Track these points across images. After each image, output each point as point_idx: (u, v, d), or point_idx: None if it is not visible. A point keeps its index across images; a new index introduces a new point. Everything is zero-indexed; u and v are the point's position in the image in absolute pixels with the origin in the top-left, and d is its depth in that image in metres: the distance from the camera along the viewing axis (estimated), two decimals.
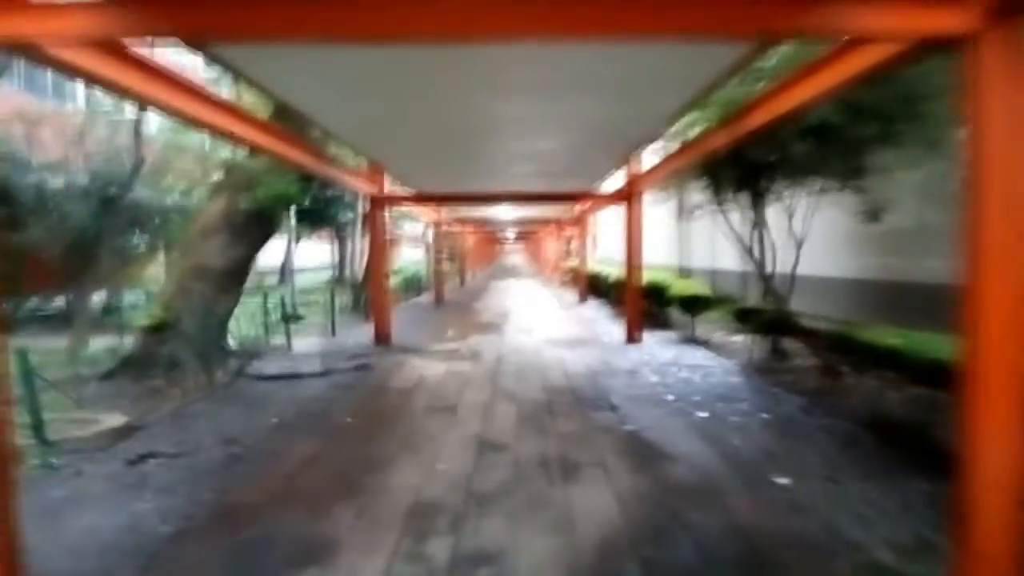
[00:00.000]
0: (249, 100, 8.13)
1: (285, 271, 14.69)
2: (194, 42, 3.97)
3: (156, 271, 11.95)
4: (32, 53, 2.91)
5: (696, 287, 10.60)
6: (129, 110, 10.58)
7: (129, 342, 7.68)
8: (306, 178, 8.13)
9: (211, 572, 3.04)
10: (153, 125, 13.99)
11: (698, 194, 10.42)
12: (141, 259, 11.92)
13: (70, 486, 4.17)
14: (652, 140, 7.27)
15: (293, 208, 14.27)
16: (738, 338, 10.08)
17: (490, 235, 39.51)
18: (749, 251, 7.80)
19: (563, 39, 3.68)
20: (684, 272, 16.34)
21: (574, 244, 22.91)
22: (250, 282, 19.51)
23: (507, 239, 48.24)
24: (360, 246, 16.53)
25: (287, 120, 6.93)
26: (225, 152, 8.83)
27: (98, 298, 11.83)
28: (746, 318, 8.66)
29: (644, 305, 10.77)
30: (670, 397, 6.33)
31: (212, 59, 4.45)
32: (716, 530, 3.36)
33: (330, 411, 5.93)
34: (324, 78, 4.96)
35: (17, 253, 9.69)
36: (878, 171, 6.68)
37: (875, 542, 3.21)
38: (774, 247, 7.75)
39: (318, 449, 4.82)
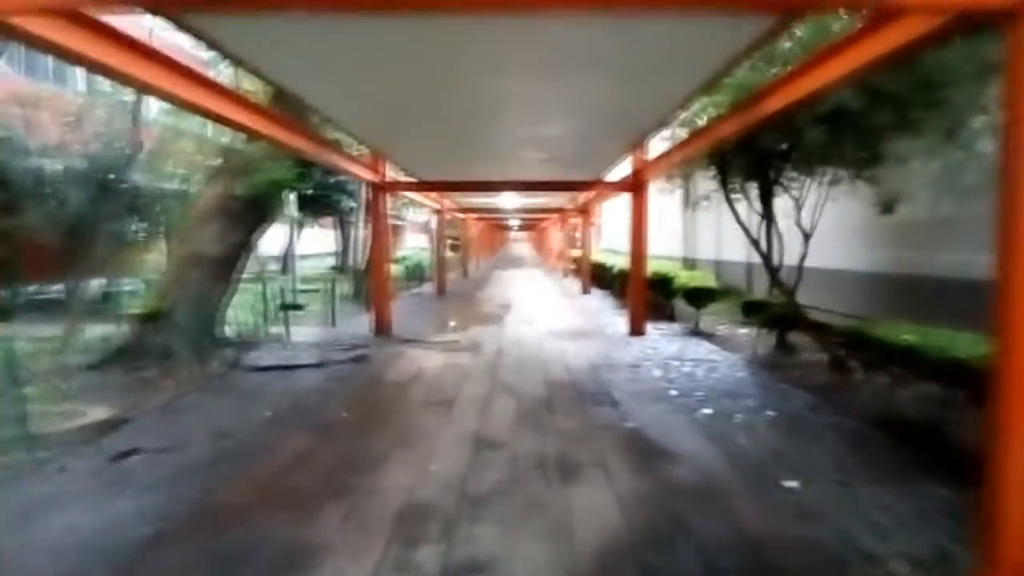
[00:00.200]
0: (248, 86, 7.94)
1: (287, 259, 14.48)
2: (168, 13, 3.82)
3: (155, 258, 11.76)
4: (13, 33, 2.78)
5: (702, 279, 10.41)
6: (129, 94, 10.43)
7: (125, 331, 7.53)
8: (304, 164, 7.95)
9: None
10: (154, 110, 13.83)
11: (705, 184, 10.24)
12: (140, 246, 11.73)
13: (51, 482, 4.02)
14: (661, 126, 7.04)
15: (295, 195, 14.12)
16: (743, 331, 9.90)
17: (494, 224, 39.31)
18: (756, 242, 7.60)
19: (569, 10, 3.50)
20: (689, 263, 16.17)
21: (578, 234, 22.69)
22: (251, 270, 19.37)
23: (512, 228, 48.04)
24: (362, 234, 16.35)
25: (286, 106, 6.76)
26: (226, 138, 8.65)
27: (97, 285, 11.71)
28: (753, 311, 8.48)
29: (648, 296, 10.58)
30: (673, 392, 6.16)
31: (203, 39, 4.28)
32: (721, 537, 3.19)
33: (325, 404, 5.78)
34: (321, 61, 4.80)
35: (14, 239, 9.55)
36: (893, 160, 6.46)
37: (890, 553, 3.04)
38: (781, 239, 7.54)
39: (310, 445, 4.66)
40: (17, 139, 10.27)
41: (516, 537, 3.21)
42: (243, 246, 7.85)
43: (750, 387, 6.36)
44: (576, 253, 22.27)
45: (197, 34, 4.17)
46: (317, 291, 13.63)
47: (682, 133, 7.80)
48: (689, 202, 15.62)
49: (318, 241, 30.36)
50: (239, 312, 9.45)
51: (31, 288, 11.55)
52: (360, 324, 10.83)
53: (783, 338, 8.17)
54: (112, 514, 3.55)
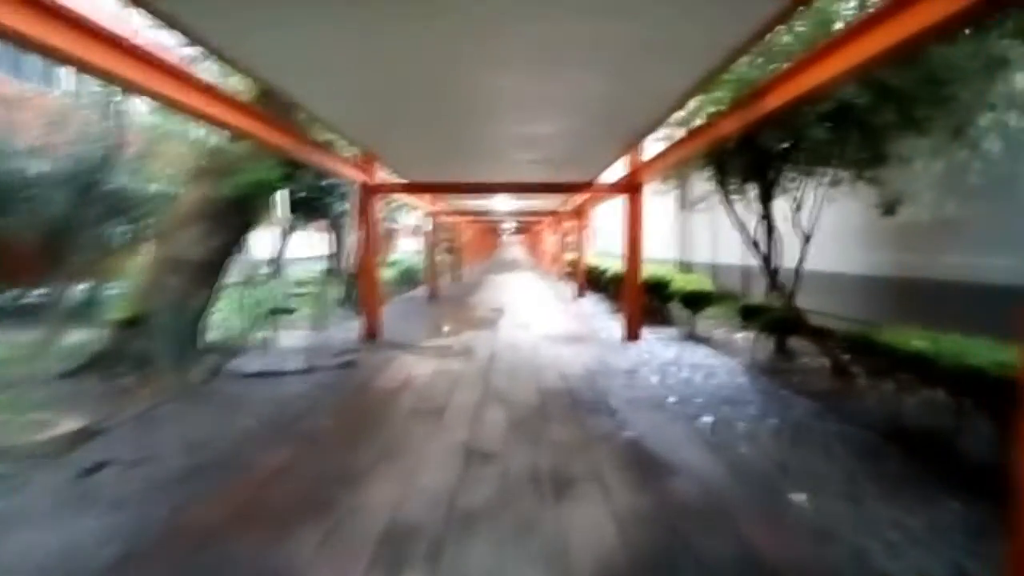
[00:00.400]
0: (233, 84, 7.71)
1: (278, 263, 14.26)
2: (149, 6, 3.64)
3: (141, 262, 11.52)
4: None
5: (698, 282, 10.20)
6: (116, 94, 10.19)
7: (103, 337, 7.27)
8: (291, 165, 7.70)
9: None
10: (143, 111, 13.57)
11: (701, 185, 10.06)
12: (124, 249, 11.46)
13: (12, 499, 3.78)
14: (658, 124, 6.80)
15: (285, 197, 13.88)
16: (741, 335, 9.70)
17: (488, 227, 39.09)
18: (755, 244, 7.40)
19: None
20: (684, 266, 15.97)
21: (572, 237, 22.48)
22: (242, 274, 19.12)
23: (506, 231, 47.85)
24: (354, 237, 16.10)
25: (273, 104, 6.54)
26: (215, 138, 8.40)
27: (81, 290, 11.45)
28: (752, 316, 8.27)
29: (644, 301, 10.37)
30: (672, 400, 5.94)
31: (185, 33, 4.13)
32: (728, 559, 2.98)
33: (309, 413, 5.53)
34: (308, 56, 4.61)
35: None
36: (896, 160, 6.29)
37: (908, 573, 2.84)
38: (780, 241, 7.34)
39: (290, 457, 4.42)
40: None
41: (507, 561, 2.98)
42: (227, 249, 7.59)
43: (750, 393, 6.15)
44: (570, 256, 22.06)
45: (179, 28, 4.01)
46: (308, 295, 13.37)
47: (679, 133, 7.61)
48: (684, 204, 15.48)
49: (311, 244, 30.11)
50: (227, 317, 9.21)
51: (12, 293, 11.28)
52: (350, 329, 10.58)
53: (782, 343, 7.97)
54: (75, 533, 3.31)
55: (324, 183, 17.56)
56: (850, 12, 5.65)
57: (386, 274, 18.07)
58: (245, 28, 4.07)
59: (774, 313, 7.55)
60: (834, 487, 3.84)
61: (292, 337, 9.63)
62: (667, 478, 4.00)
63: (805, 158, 6.60)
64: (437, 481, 3.97)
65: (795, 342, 8.05)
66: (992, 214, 6.43)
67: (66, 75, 15.44)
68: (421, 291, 18.72)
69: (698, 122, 6.98)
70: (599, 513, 3.49)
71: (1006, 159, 6.25)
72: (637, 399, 5.96)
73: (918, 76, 5.38)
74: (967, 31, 5.08)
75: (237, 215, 7.40)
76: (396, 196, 13.83)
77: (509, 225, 37.82)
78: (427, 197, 16.51)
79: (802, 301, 7.28)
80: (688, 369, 7.25)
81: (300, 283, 18.20)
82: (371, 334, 9.76)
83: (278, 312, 12.62)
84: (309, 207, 18.71)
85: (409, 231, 42.10)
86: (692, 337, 9.65)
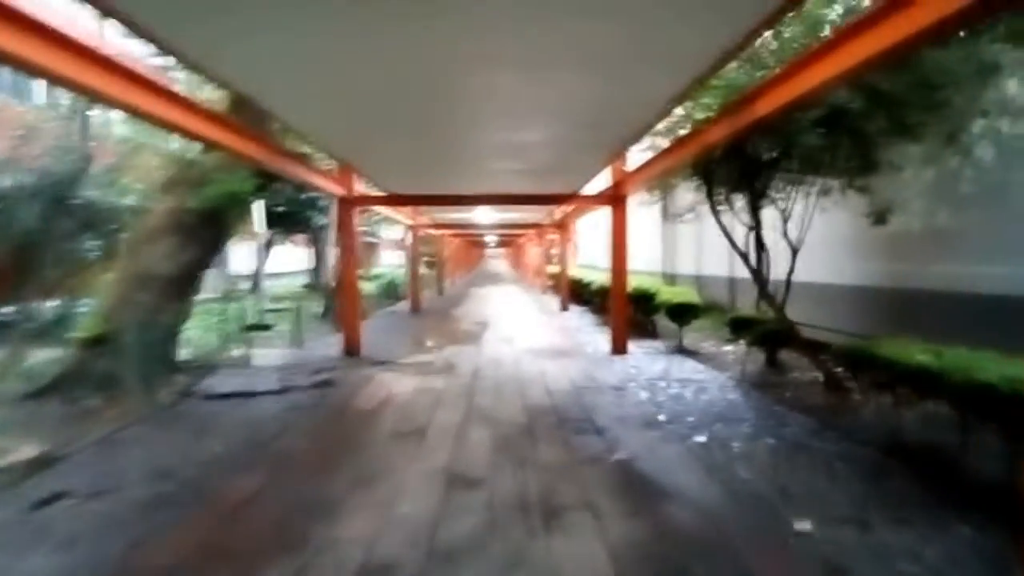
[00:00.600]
0: (206, 94, 7.44)
1: (256, 277, 13.93)
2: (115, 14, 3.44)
3: (110, 277, 11.14)
4: None
5: (685, 294, 10.01)
6: (92, 107, 9.89)
7: (68, 356, 6.92)
8: (265, 176, 7.42)
9: None
10: (118, 122, 13.22)
11: (687, 195, 9.89)
12: (96, 264, 11.08)
13: None
14: (645, 131, 6.57)
15: (261, 210, 13.56)
16: (729, 348, 9.53)
17: (471, 240, 38.80)
18: (744, 255, 7.21)
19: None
20: (668, 278, 15.82)
21: (556, 249, 22.30)
22: (219, 289, 18.72)
23: (489, 244, 47.60)
24: (334, 251, 15.81)
25: (245, 114, 6.30)
26: (192, 153, 8.08)
27: (51, 307, 11.06)
28: (742, 328, 8.09)
29: (630, 313, 10.17)
30: (662, 417, 5.71)
31: (155, 42, 3.91)
32: None
33: (282, 437, 5.23)
34: (280, 64, 4.38)
35: None
36: (888, 168, 6.13)
37: None
38: (768, 252, 7.16)
39: (260, 486, 4.13)
40: None
41: None
42: (199, 264, 7.30)
43: (743, 410, 5.93)
44: (554, 269, 21.87)
45: (148, 36, 3.79)
46: (287, 311, 13.02)
47: (664, 143, 7.43)
48: (668, 215, 15.33)
49: (291, 259, 29.75)
50: (203, 334, 8.88)
51: None
52: (329, 345, 10.28)
53: (773, 356, 7.79)
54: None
55: (304, 196, 17.26)
56: (836, 18, 5.52)
57: (368, 288, 17.76)
58: (217, 37, 3.87)
59: (765, 325, 7.37)
60: (839, 512, 3.61)
61: (269, 354, 9.31)
62: (662, 505, 3.75)
63: (795, 166, 6.43)
64: (417, 511, 3.71)
65: (786, 355, 7.88)
66: (985, 222, 6.30)
67: (37, 88, 15.09)
68: (403, 305, 18.40)
69: (684, 131, 6.82)
70: (592, 546, 3.23)
71: (999, 166, 6.12)
72: (626, 417, 5.73)
73: (910, 81, 5.24)
74: (961, 34, 4.95)
75: (209, 228, 7.11)
76: (376, 209, 13.52)
77: (492, 238, 37.58)
78: (408, 210, 16.25)
79: (791, 313, 7.10)
80: (677, 384, 7.04)
81: (278, 298, 17.88)
82: (351, 350, 9.46)
83: (255, 328, 12.30)
84: (288, 220, 18.39)
85: (392, 244, 41.83)
86: (680, 350, 9.44)
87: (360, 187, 10.71)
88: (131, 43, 5.08)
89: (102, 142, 11.38)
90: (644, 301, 10.66)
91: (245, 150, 5.93)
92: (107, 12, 3.52)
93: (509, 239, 37.77)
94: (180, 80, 7.68)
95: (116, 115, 10.02)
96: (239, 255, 23.86)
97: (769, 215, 7.12)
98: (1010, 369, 3.57)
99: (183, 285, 7.12)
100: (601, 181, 10.39)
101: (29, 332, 8.83)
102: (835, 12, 5.60)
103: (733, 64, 5.57)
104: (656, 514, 3.63)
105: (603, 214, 13.45)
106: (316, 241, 20.61)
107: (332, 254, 15.09)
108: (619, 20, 3.61)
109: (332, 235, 14.95)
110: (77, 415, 5.86)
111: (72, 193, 9.11)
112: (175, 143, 8.25)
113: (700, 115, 6.25)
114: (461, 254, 40.98)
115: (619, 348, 9.37)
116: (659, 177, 8.28)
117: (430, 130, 6.39)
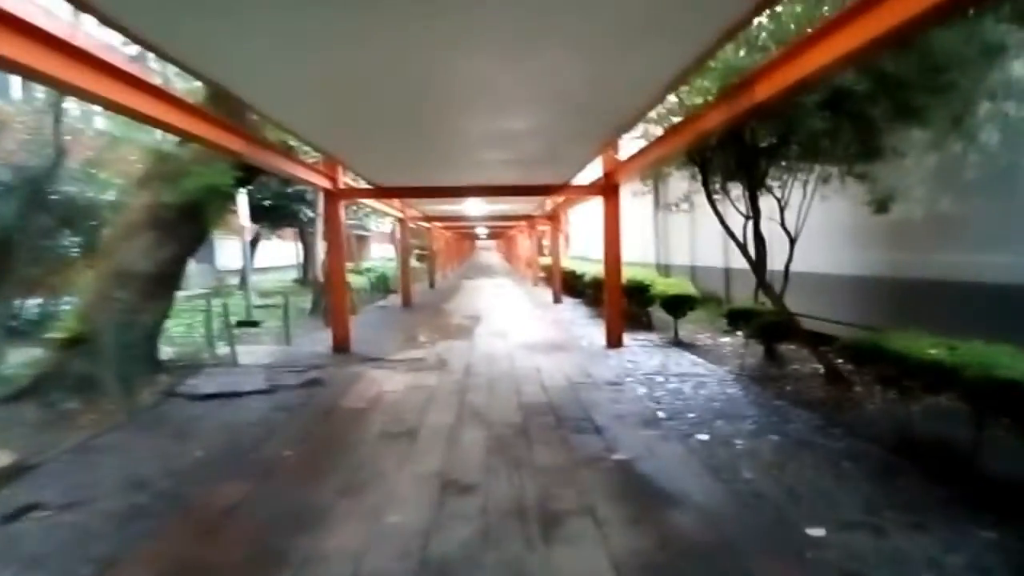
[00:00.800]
0: (181, 85, 7.17)
1: (243, 272, 13.69)
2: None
3: (88, 275, 10.88)
4: None
5: (681, 286, 9.84)
6: (70, 102, 9.60)
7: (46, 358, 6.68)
8: (245, 168, 7.16)
9: None
10: (98, 116, 12.92)
11: (679, 185, 9.70)
12: (77, 262, 10.79)
13: None
14: (639, 118, 6.31)
15: (244, 203, 13.31)
16: (726, 340, 9.37)
17: (461, 233, 38.57)
18: (742, 245, 7.02)
19: None
20: (662, 269, 15.65)
21: (547, 241, 22.09)
22: (206, 285, 18.47)
23: (480, 237, 47.39)
24: (322, 245, 15.56)
25: (223, 106, 6.06)
26: (177, 147, 7.82)
27: (31, 306, 10.79)
28: (740, 320, 7.91)
29: (624, 305, 9.98)
30: (662, 414, 5.54)
31: (126, 33, 3.70)
32: None
33: (267, 441, 5.01)
34: (256, 55, 4.18)
35: None
36: (890, 154, 5.94)
37: None
38: (765, 242, 6.97)
39: (242, 495, 3.92)
40: None
41: None
42: (179, 260, 7.05)
43: (744, 405, 5.76)
44: (546, 261, 21.67)
45: (123, 29, 3.60)
46: (276, 306, 12.80)
47: (657, 131, 7.23)
48: (661, 205, 15.13)
49: (281, 253, 29.48)
50: (187, 331, 8.64)
51: None
52: (318, 341, 10.05)
53: (771, 348, 7.62)
54: None
55: (291, 190, 17.02)
56: None
57: (358, 282, 17.53)
58: (193, 30, 3.69)
59: (765, 317, 7.19)
60: (850, 515, 3.43)
61: (256, 352, 9.08)
62: (667, 510, 3.56)
63: (795, 153, 6.24)
64: (408, 520, 3.50)
65: (784, 347, 7.71)
66: (990, 209, 6.13)
67: (11, 83, 14.73)
68: (394, 299, 18.17)
69: (677, 119, 6.62)
70: (595, 557, 3.04)
71: (1005, 151, 5.94)
72: (625, 414, 5.54)
73: (914, 63, 5.04)
74: (969, 13, 4.77)
75: (187, 223, 6.85)
76: (365, 202, 13.27)
77: (483, 230, 37.37)
78: (397, 203, 16.01)
79: (789, 304, 6.92)
80: (676, 379, 6.86)
81: (267, 293, 17.63)
82: (340, 346, 9.25)
83: (243, 325, 12.08)
84: (276, 214, 18.16)
85: (383, 237, 41.54)
86: (676, 343, 9.28)
87: (347, 179, 10.47)
88: (103, 33, 4.83)
89: (80, 136, 11.11)
90: (639, 293, 10.49)
91: (224, 142, 5.70)
92: (81, 5, 3.38)
93: (500, 231, 37.57)
94: (155, 71, 7.40)
95: (96, 108, 9.74)
96: (227, 250, 23.60)
97: (766, 204, 6.93)
98: None
99: (163, 282, 6.87)
100: (593, 171, 10.19)
101: (6, 332, 8.58)
102: None
103: (730, 46, 5.38)
104: (660, 520, 3.44)
105: (595, 205, 13.25)
106: (304, 235, 20.38)
107: (321, 248, 14.86)
108: None
109: (321, 229, 14.71)
110: (54, 420, 5.63)
111: (49, 188, 8.86)
112: (154, 136, 8.01)
113: (696, 100, 6.03)
114: (452, 247, 40.74)
115: (614, 341, 9.20)
116: (653, 166, 8.08)
117: (414, 120, 6.14)
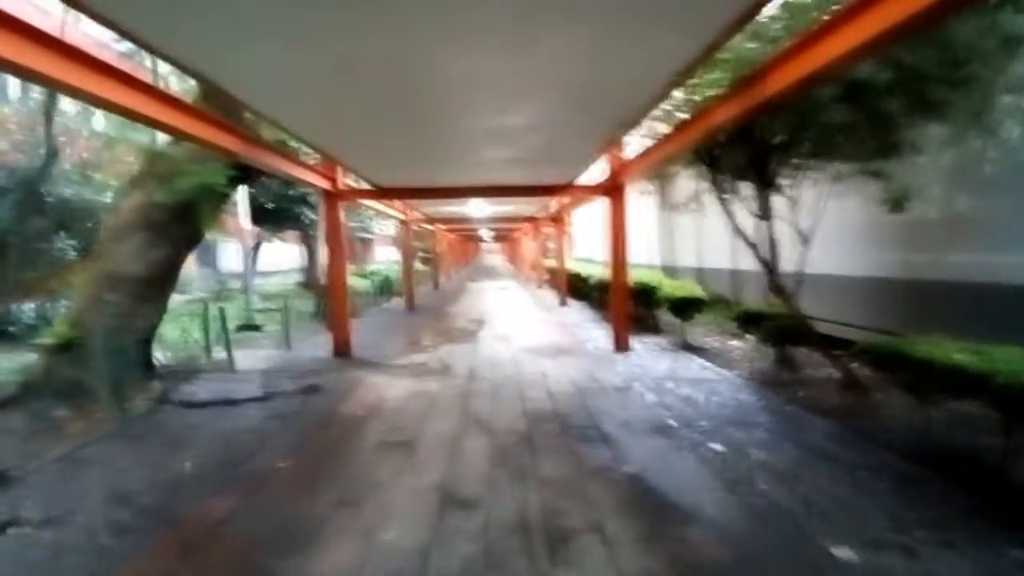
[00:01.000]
0: (176, 83, 7.01)
1: (244, 275, 13.51)
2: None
3: (80, 278, 10.72)
4: None
5: (689, 288, 9.61)
6: (69, 104, 9.47)
7: (37, 363, 6.49)
8: (241, 167, 6.97)
9: None
10: (98, 117, 12.79)
11: (686, 184, 9.50)
12: (72, 265, 10.64)
13: None
14: (645, 113, 6.00)
15: (245, 204, 13.13)
16: (735, 343, 9.14)
17: (466, 235, 38.37)
18: (753, 247, 6.80)
19: None
20: (668, 271, 15.41)
21: (552, 243, 21.87)
22: (208, 288, 18.30)
23: (484, 239, 47.17)
24: (325, 248, 15.36)
25: (217, 103, 5.89)
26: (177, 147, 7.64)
27: (27, 309, 10.64)
28: (751, 323, 7.68)
29: (630, 308, 9.75)
30: (672, 422, 5.31)
31: (116, 29, 3.55)
32: None
33: (260, 451, 4.81)
34: (253, 54, 4.04)
35: None
36: (908, 150, 5.71)
37: None
38: (775, 243, 6.75)
39: (231, 510, 3.72)
40: None
41: None
42: (171, 262, 6.84)
43: (758, 412, 5.54)
44: (551, 263, 21.46)
45: (109, 23, 3.44)
46: (278, 310, 12.62)
47: (663, 129, 7.02)
48: (666, 206, 14.90)
49: (285, 256, 29.32)
50: (183, 336, 8.45)
51: None
52: (319, 345, 9.85)
53: (783, 352, 7.38)
54: None
55: (293, 192, 16.83)
56: None
57: (361, 285, 17.34)
58: (190, 29, 3.59)
59: (778, 321, 6.95)
60: (877, 533, 3.21)
61: (255, 357, 8.89)
62: (680, 527, 3.34)
63: (807, 149, 6.02)
64: (405, 537, 3.30)
65: (796, 351, 7.47)
66: (1011, 207, 5.90)
67: (8, 82, 14.63)
68: (398, 302, 17.96)
69: (683, 116, 6.40)
70: None
71: None
72: (633, 422, 5.32)
73: (932, 56, 4.83)
74: (988, 2, 4.56)
75: (181, 224, 6.65)
76: (366, 203, 13.08)
77: (487, 232, 37.16)
78: (400, 204, 15.82)
79: (801, 306, 6.69)
80: (686, 384, 6.64)
81: (270, 297, 17.47)
82: (341, 351, 9.06)
83: (243, 329, 11.90)
84: (278, 217, 17.96)
85: (387, 240, 41.40)
86: (684, 346, 9.04)
87: (349, 181, 10.29)
88: (95, 30, 4.69)
89: (77, 137, 10.97)
90: (646, 295, 10.27)
91: (218, 141, 5.52)
92: (73, 2, 3.25)
93: (504, 233, 37.36)
94: (147, 67, 7.23)
95: (94, 110, 9.59)
96: (230, 254, 23.45)
97: (776, 204, 6.71)
98: None
99: (155, 285, 6.66)
100: (597, 172, 9.98)
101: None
102: None
103: (741, 37, 5.17)
104: (673, 537, 3.22)
105: (599, 206, 13.02)
106: (307, 238, 20.17)
107: (324, 251, 14.69)
108: None
109: (321, 230, 14.53)
110: (41, 429, 5.43)
111: (43, 190, 8.70)
112: (152, 136, 7.84)
113: (703, 95, 5.82)
114: (456, 249, 40.58)
115: (621, 345, 8.98)
116: (659, 165, 7.86)
117: (414, 116, 5.92)
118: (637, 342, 9.37)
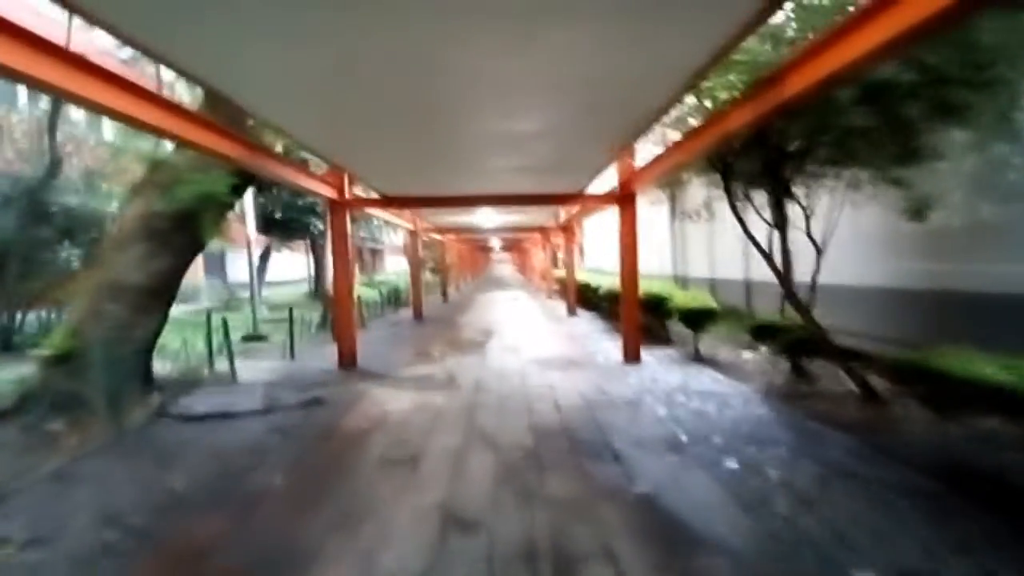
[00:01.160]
0: (180, 90, 6.90)
1: (251, 285, 13.42)
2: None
3: (80, 288, 10.62)
4: None
5: (701, 299, 9.40)
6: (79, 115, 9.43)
7: (34, 375, 6.36)
8: (243, 176, 6.84)
9: None
10: (108, 130, 12.76)
11: (697, 193, 9.33)
12: (77, 275, 10.54)
13: None
14: (657, 118, 5.75)
15: (251, 212, 13.05)
16: (749, 356, 8.91)
17: (475, 245, 38.27)
18: (768, 256, 6.61)
19: None
20: (679, 281, 15.21)
21: (561, 253, 21.69)
22: (216, 298, 18.24)
23: (494, 249, 47.11)
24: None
25: (220, 110, 5.78)
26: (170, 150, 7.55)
27: (34, 319, 10.56)
28: (765, 335, 7.47)
29: (641, 318, 9.55)
30: (685, 438, 5.11)
31: (118, 35, 3.51)
32: None
33: (257, 468, 4.63)
34: (257, 60, 3.93)
35: None
36: (930, 155, 5.51)
37: None
38: (790, 252, 6.56)
39: (223, 532, 3.54)
40: None
41: None
42: (173, 271, 6.70)
43: (774, 428, 5.32)
44: (560, 273, 21.28)
45: (119, 34, 3.44)
46: (285, 320, 12.49)
47: (674, 137, 6.85)
48: (678, 215, 14.71)
49: (294, 266, 29.31)
50: (186, 347, 8.30)
51: None
52: (324, 356, 9.69)
53: (798, 365, 7.17)
54: None
55: (302, 202, 16.80)
56: None
57: (369, 295, 17.24)
58: (192, 33, 3.49)
59: (794, 332, 6.74)
60: (909, 561, 3.00)
61: (258, 368, 8.75)
62: (696, 555, 3.14)
63: (825, 155, 5.83)
64: (404, 563, 3.11)
65: (811, 363, 7.26)
66: None
67: (19, 91, 14.65)
68: (407, 312, 17.82)
69: (694, 122, 6.23)
70: None
71: None
72: (645, 438, 5.12)
73: (955, 57, 4.64)
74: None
75: (182, 233, 6.52)
76: (374, 213, 12.96)
77: (497, 242, 37.07)
78: (408, 214, 15.71)
79: (817, 317, 6.48)
80: (698, 398, 6.43)
81: (277, 307, 17.37)
82: (346, 362, 8.90)
83: (249, 340, 11.79)
84: (287, 227, 17.94)
85: (398, 251, 41.38)
86: (696, 358, 8.83)
87: (358, 191, 10.17)
88: (97, 37, 4.63)
89: (83, 146, 10.91)
90: (656, 306, 10.07)
91: (221, 149, 5.41)
92: (73, 8, 3.22)
93: (514, 243, 37.26)
94: (150, 75, 7.14)
95: (103, 119, 9.52)
96: (239, 264, 23.43)
97: (791, 213, 6.52)
98: None
99: (156, 295, 6.53)
100: (607, 181, 9.81)
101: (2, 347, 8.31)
102: None
103: (757, 40, 5.01)
104: (689, 567, 3.02)
105: (609, 216, 12.86)
106: (316, 248, 20.11)
107: (331, 260, 14.61)
108: None
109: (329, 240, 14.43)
110: (36, 442, 5.30)
111: (46, 199, 8.61)
112: (160, 144, 7.74)
113: (720, 95, 5.64)
114: (466, 259, 40.47)
115: (632, 356, 8.78)
116: (671, 173, 7.68)
117: (422, 122, 5.76)
118: (648, 353, 9.16)
